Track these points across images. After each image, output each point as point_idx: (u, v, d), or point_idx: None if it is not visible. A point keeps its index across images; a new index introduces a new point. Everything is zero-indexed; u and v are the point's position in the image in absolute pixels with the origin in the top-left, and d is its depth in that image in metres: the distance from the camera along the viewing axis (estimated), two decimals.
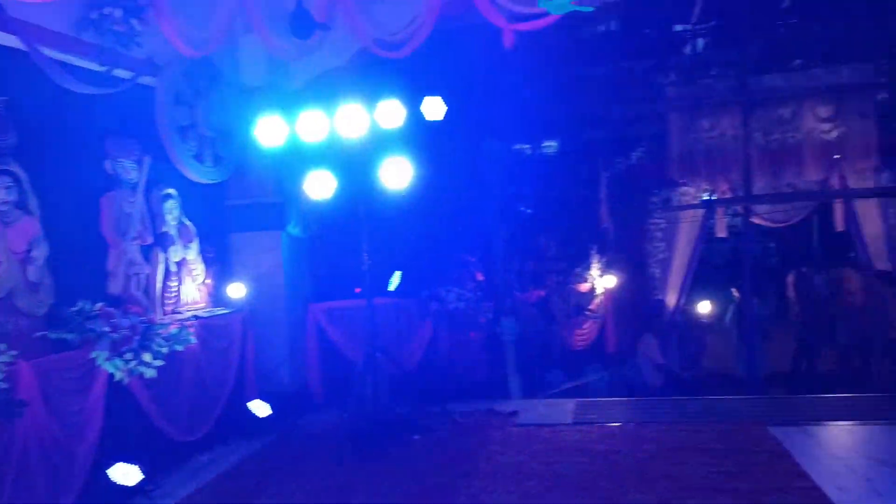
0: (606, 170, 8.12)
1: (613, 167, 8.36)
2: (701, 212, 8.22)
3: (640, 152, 8.48)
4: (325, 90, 5.49)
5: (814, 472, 3.74)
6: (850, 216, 8.05)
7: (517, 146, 10.20)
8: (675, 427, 4.75)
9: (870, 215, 7.93)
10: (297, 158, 5.30)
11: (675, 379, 7.56)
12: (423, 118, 4.83)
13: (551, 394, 6.34)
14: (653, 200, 8.20)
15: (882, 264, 7.73)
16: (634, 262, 8.27)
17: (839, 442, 4.25)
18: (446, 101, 5.00)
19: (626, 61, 10.70)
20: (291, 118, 4.89)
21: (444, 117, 5.18)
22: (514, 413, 5.42)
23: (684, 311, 9.07)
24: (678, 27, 11.62)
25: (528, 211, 7.81)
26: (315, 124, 4.79)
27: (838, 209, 8.19)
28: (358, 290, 5.74)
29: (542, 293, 7.09)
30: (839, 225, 8.22)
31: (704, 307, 9.27)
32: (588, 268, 7.43)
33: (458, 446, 4.74)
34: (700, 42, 11.64)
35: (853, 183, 7.84)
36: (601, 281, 7.53)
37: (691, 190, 8.34)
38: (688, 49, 11.48)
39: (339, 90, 5.07)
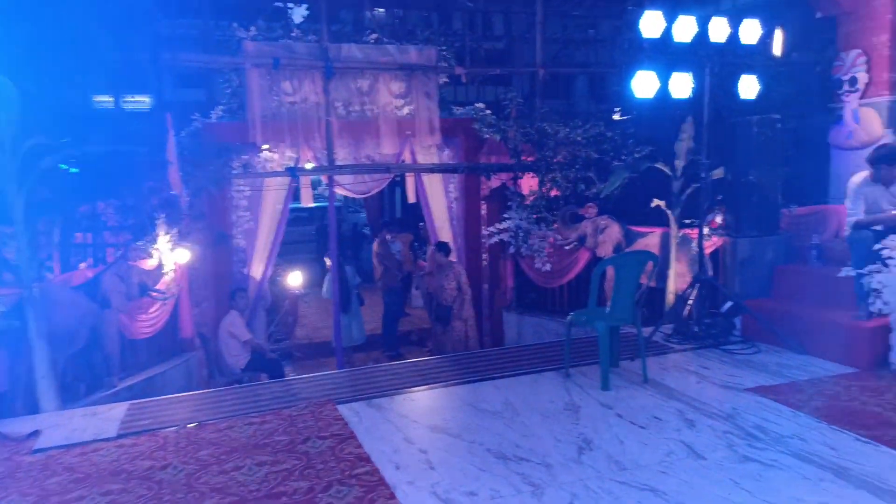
0: (180, 128, 7.07)
1: (189, 126, 7.36)
2: (287, 179, 7.87)
3: (219, 112, 7.66)
4: None
5: (375, 452, 3.59)
6: (421, 189, 8.71)
7: (75, 93, 8.32)
8: (242, 421, 4.17)
9: (435, 189, 8.70)
10: None
11: (262, 358, 7.09)
12: None
13: (99, 399, 5.14)
14: (234, 166, 7.49)
15: (444, 234, 8.56)
16: (215, 232, 7.47)
17: (402, 412, 4.25)
18: None
19: (211, 17, 9.74)
20: None
21: None
22: (35, 434, 4.13)
23: (274, 282, 8.70)
24: None
25: (73, 171, 6.26)
26: None
27: (410, 182, 8.79)
28: None
29: (91, 273, 5.74)
30: (411, 197, 8.85)
31: (296, 278, 9.06)
32: (155, 240, 6.33)
33: None
34: (284, 4, 11.31)
35: (421, 159, 8.47)
36: (173, 255, 6.52)
37: (276, 156, 7.91)
38: (274, 9, 11.02)
39: None
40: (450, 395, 4.59)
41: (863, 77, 6.95)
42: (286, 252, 9.71)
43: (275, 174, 7.70)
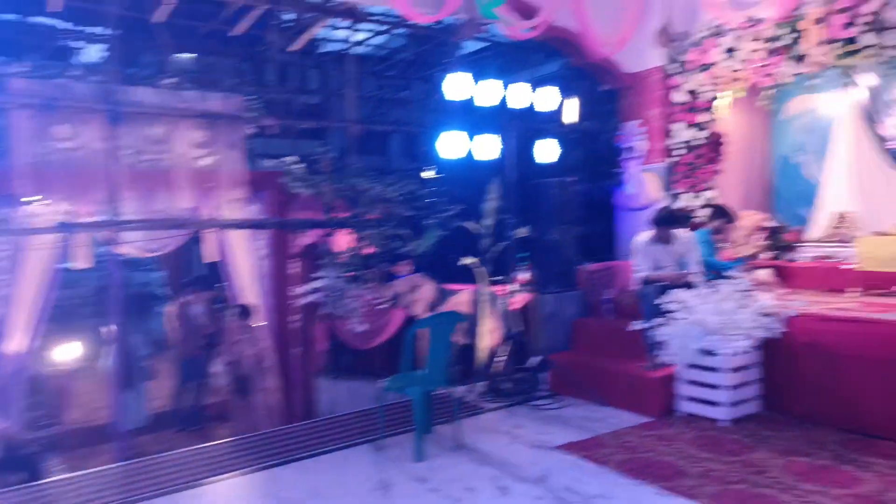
0: None
1: None
2: (58, 237, 6.80)
3: None
4: None
5: None
6: (225, 247, 8.02)
7: None
8: None
9: (240, 247, 8.07)
10: None
11: (16, 454, 5.87)
12: None
13: None
14: None
15: (250, 295, 7.92)
16: None
17: None
18: None
19: None
20: None
21: None
22: None
23: (38, 358, 7.40)
24: (44, 20, 9.90)
25: None
26: None
27: (210, 239, 8.07)
28: None
29: None
30: (211, 255, 8.11)
31: (69, 350, 7.81)
32: None
33: None
34: (69, 41, 10.19)
35: (226, 213, 7.82)
36: None
37: (46, 209, 6.82)
38: (54, 46, 9.86)
39: None
40: (247, 486, 4.04)
41: (642, 145, 7.73)
42: (60, 319, 8.37)
43: (42, 231, 6.60)
